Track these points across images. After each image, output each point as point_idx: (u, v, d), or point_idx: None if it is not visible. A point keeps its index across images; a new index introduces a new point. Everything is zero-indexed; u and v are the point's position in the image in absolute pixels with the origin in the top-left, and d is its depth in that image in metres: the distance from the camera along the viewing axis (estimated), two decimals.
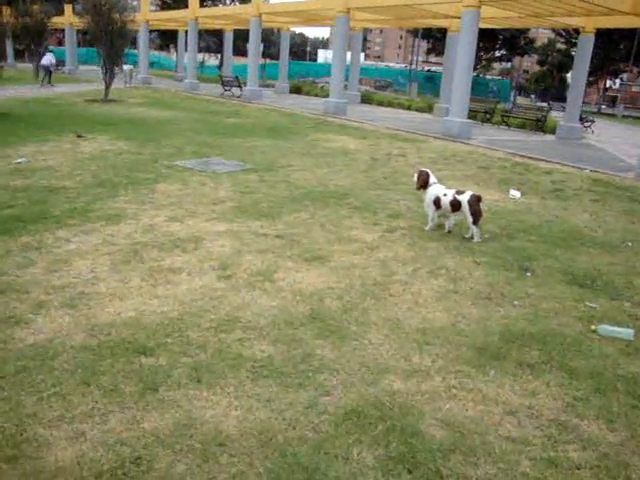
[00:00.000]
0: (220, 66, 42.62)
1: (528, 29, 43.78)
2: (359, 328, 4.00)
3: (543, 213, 7.93)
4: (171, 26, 35.34)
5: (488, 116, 20.64)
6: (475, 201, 6.20)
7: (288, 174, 9.19)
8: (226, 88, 25.40)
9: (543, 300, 4.82)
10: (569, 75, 64.00)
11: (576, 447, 2.90)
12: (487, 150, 13.51)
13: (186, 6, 31.38)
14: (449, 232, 6.55)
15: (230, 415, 2.92)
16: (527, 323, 4.32)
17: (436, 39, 48.49)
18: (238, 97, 24.34)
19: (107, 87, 19.19)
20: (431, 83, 47.21)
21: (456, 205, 6.27)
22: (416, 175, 6.62)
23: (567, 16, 15.87)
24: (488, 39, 45.27)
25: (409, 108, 25.78)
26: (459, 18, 18.44)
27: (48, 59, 24.72)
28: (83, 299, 4.19)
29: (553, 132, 19.33)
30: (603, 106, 51.19)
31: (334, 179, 9.08)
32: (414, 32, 49.19)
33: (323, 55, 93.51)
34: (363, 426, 2.93)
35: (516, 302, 4.73)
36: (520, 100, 46.93)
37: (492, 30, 32.14)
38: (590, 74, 35.63)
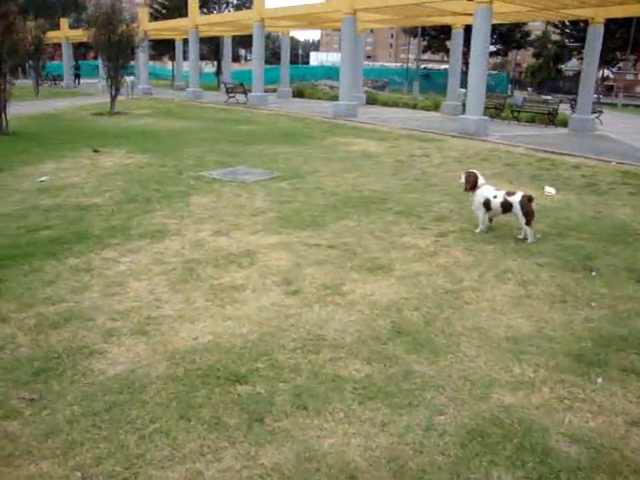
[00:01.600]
0: (217, 73, 42.45)
1: (525, 23, 43.64)
2: (448, 340, 3.83)
3: (584, 209, 7.77)
4: (169, 35, 35.18)
5: (497, 111, 20.49)
6: (527, 201, 6.03)
7: (318, 180, 9.01)
8: (230, 95, 25.22)
9: (619, 300, 4.65)
10: (564, 66, 64.06)
11: None
12: (508, 147, 13.36)
13: (179, 16, 31.31)
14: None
15: (351, 443, 2.75)
16: (613, 326, 4.15)
17: (431, 37, 48.36)
18: (244, 104, 24.16)
19: (113, 99, 19.00)
20: (428, 81, 47.22)
21: (507, 207, 6.10)
22: (464, 176, 6.45)
23: (578, 8, 15.74)
24: None
25: (414, 107, 25.64)
26: (466, 15, 18.35)
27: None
28: (152, 324, 4.01)
29: (564, 125, 19.19)
30: (601, 96, 51.15)
31: (366, 184, 8.91)
32: (411, 31, 49.05)
33: (315, 57, 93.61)
34: (490, 446, 2.75)
35: (593, 304, 4.56)
36: (516, 93, 46.82)
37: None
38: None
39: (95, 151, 11.37)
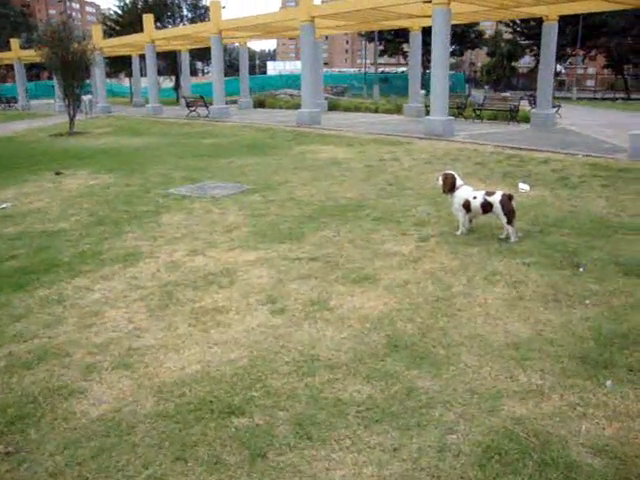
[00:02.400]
0: (176, 88, 41.94)
1: (478, 23, 44.35)
2: (448, 351, 3.68)
3: (560, 204, 7.76)
4: (124, 52, 34.58)
5: (460, 111, 20.63)
6: (507, 200, 5.95)
7: (290, 191, 8.83)
8: (191, 109, 24.86)
9: (612, 296, 4.58)
10: (517, 64, 65.21)
11: None
12: (475, 145, 13.39)
13: (133, 31, 30.78)
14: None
15: (363, 474, 2.56)
16: (612, 323, 4.06)
17: (388, 40, 48.76)
18: (205, 117, 23.84)
19: (71, 119, 18.51)
20: (387, 84, 47.48)
21: (487, 207, 6.02)
22: (441, 179, 6.34)
23: (533, 6, 15.94)
24: None
25: (377, 111, 25.66)
26: (423, 17, 18.45)
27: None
28: (134, 356, 3.76)
29: (525, 121, 19.41)
30: (555, 91, 52.14)
31: (339, 191, 8.76)
32: (366, 36, 49.31)
33: (273, 67, 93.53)
34: (510, 464, 2.60)
35: (587, 301, 4.47)
36: (473, 92, 47.47)
37: None
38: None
39: (57, 174, 10.97)
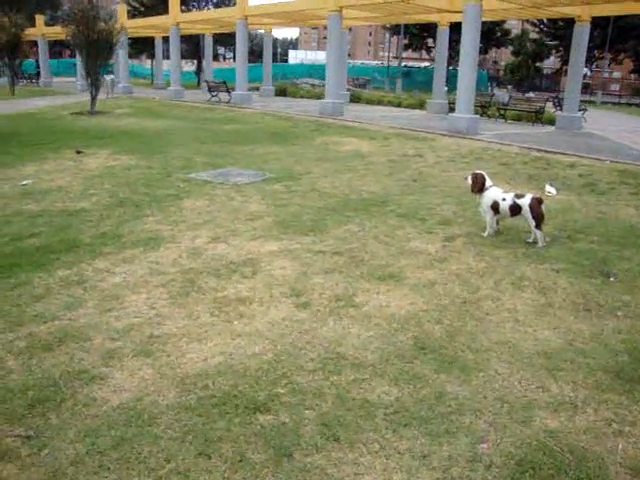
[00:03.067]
0: (198, 72, 41.88)
1: (504, 21, 43.76)
2: (477, 356, 3.58)
3: (588, 210, 7.59)
4: (148, 33, 34.53)
5: (484, 109, 20.36)
6: (537, 204, 5.82)
7: (313, 182, 8.72)
8: (213, 94, 24.77)
9: None
10: (542, 65, 64.38)
11: None
12: (500, 145, 13.17)
13: (157, 14, 30.69)
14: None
15: None
16: None
17: (413, 34, 48.30)
18: (227, 102, 23.74)
19: (93, 99, 18.49)
20: (409, 79, 47.06)
21: (516, 210, 5.89)
22: (470, 178, 6.21)
23: (567, 5, 15.64)
24: None
25: (399, 105, 25.41)
26: (452, 12, 18.19)
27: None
28: (156, 344, 3.69)
29: (550, 123, 19.13)
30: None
31: (362, 185, 8.64)
32: (392, 29, 48.88)
33: (294, 55, 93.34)
34: None
35: (619, 313, 4.35)
36: (496, 91, 46.89)
37: None
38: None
39: (78, 152, 10.94)
